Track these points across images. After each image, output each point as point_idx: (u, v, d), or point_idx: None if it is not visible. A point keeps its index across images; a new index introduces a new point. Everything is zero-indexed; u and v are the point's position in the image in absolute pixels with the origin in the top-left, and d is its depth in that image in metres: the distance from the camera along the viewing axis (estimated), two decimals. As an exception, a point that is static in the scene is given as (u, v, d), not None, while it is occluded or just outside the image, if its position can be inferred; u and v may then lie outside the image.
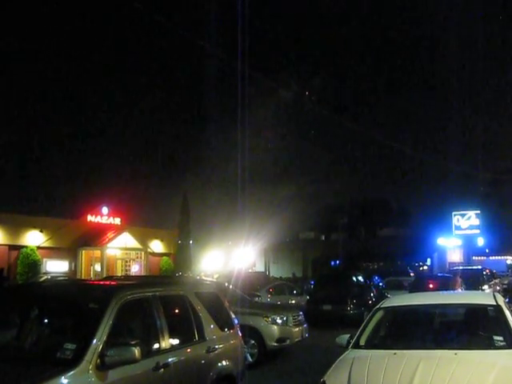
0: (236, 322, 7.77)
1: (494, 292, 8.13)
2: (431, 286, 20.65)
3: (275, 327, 12.16)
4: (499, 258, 61.79)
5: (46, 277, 28.92)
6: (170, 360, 5.69)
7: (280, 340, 12.15)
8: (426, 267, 60.74)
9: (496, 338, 6.30)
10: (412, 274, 37.59)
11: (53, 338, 5.54)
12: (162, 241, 42.99)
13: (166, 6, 44.85)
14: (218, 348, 6.73)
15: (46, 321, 5.96)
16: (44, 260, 32.87)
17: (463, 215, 58.22)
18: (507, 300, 8.78)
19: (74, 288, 6.84)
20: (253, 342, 11.70)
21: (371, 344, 6.47)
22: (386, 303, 7.43)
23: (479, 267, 34.75)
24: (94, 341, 4.85)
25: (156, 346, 5.68)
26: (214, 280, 15.71)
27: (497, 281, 34.96)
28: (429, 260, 62.13)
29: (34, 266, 31.47)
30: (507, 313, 6.43)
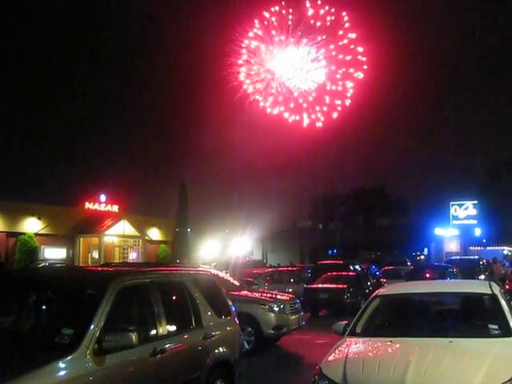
0: (233, 309, 7.78)
1: (489, 281, 8.14)
2: (428, 275, 20.71)
3: (272, 315, 12.21)
4: (496, 248, 61.93)
5: (43, 264, 28.99)
6: (166, 346, 5.72)
7: (277, 328, 12.20)
8: (423, 257, 60.93)
9: (491, 326, 6.34)
10: (409, 264, 37.65)
11: (51, 323, 5.56)
12: (159, 229, 43.02)
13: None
14: (215, 335, 6.75)
15: (43, 306, 5.99)
16: (42, 247, 32.90)
17: (461, 205, 58.23)
18: (503, 289, 8.81)
19: (72, 274, 6.86)
20: (250, 329, 11.74)
21: (367, 332, 6.50)
22: (383, 291, 7.46)
23: (476, 257, 34.84)
24: (92, 326, 4.87)
25: (153, 331, 5.71)
26: (212, 268, 15.74)
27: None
28: (426, 250, 62.33)
29: (31, 253, 31.50)
30: (502, 302, 6.46)
